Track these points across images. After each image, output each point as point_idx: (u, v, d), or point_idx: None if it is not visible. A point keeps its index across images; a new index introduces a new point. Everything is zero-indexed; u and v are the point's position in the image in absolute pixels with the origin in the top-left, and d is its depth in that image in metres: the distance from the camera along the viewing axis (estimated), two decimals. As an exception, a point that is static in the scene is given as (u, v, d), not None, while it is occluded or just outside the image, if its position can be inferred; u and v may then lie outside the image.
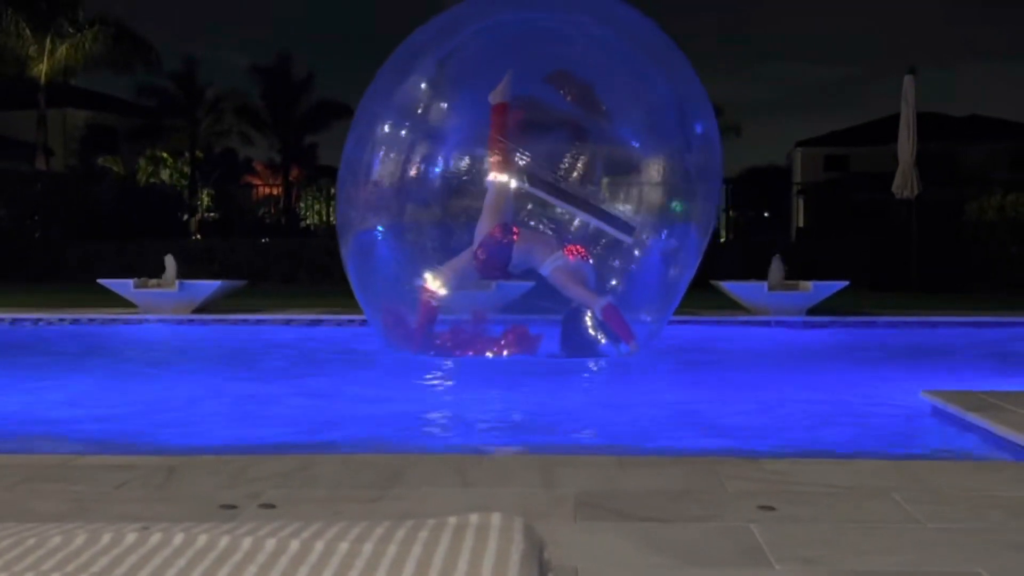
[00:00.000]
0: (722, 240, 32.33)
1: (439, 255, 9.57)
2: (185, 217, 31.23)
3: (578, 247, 9.21)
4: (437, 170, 9.82)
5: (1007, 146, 44.43)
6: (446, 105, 9.74)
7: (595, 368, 8.87)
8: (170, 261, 13.46)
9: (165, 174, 38.87)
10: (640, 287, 9.58)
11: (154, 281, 13.49)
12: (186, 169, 40.88)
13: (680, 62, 9.60)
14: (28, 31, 31.09)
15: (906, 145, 19.40)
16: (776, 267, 13.52)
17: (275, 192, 40.28)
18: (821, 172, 47.05)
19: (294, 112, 44.44)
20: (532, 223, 9.76)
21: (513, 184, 9.36)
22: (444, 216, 10.02)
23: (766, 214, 42.95)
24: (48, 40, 31.39)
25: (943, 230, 20.94)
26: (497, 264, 9.21)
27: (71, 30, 31.50)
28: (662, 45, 9.59)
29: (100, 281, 13.94)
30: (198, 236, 30.60)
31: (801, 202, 39.44)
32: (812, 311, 13.26)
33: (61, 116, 38.31)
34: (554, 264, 9.07)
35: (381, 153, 9.61)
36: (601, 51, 9.65)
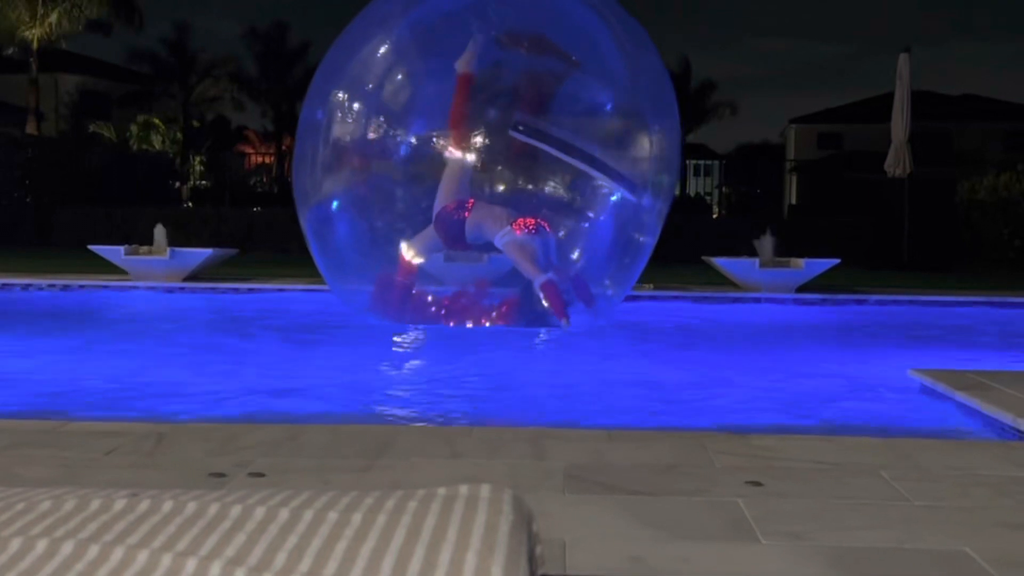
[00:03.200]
0: (714, 216, 32.34)
1: (401, 223, 9.56)
2: (177, 184, 31.08)
3: (529, 220, 9.14)
4: (398, 139, 9.73)
5: (1001, 126, 44.42)
6: (408, 71, 9.66)
7: (583, 343, 8.88)
8: (159, 230, 13.40)
9: (157, 141, 38.64)
10: (601, 254, 9.59)
11: (145, 248, 13.45)
12: (178, 136, 40.68)
13: (632, 26, 9.52)
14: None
15: (900, 123, 19.37)
16: (767, 244, 13.52)
17: (267, 161, 40.12)
18: (815, 149, 47.00)
19: (288, 79, 44.21)
20: (512, 188, 9.75)
21: (470, 157, 9.38)
22: (404, 186, 9.96)
23: (758, 191, 42.94)
24: (40, 4, 31.13)
25: (935, 209, 20.90)
26: (454, 237, 9.25)
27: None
28: (614, 9, 9.57)
29: (91, 247, 13.88)
30: (189, 204, 30.49)
31: (794, 179, 39.40)
32: (803, 288, 13.27)
33: (53, 81, 38.07)
34: (503, 239, 9.10)
35: (338, 120, 9.52)
36: (549, 14, 9.59)
